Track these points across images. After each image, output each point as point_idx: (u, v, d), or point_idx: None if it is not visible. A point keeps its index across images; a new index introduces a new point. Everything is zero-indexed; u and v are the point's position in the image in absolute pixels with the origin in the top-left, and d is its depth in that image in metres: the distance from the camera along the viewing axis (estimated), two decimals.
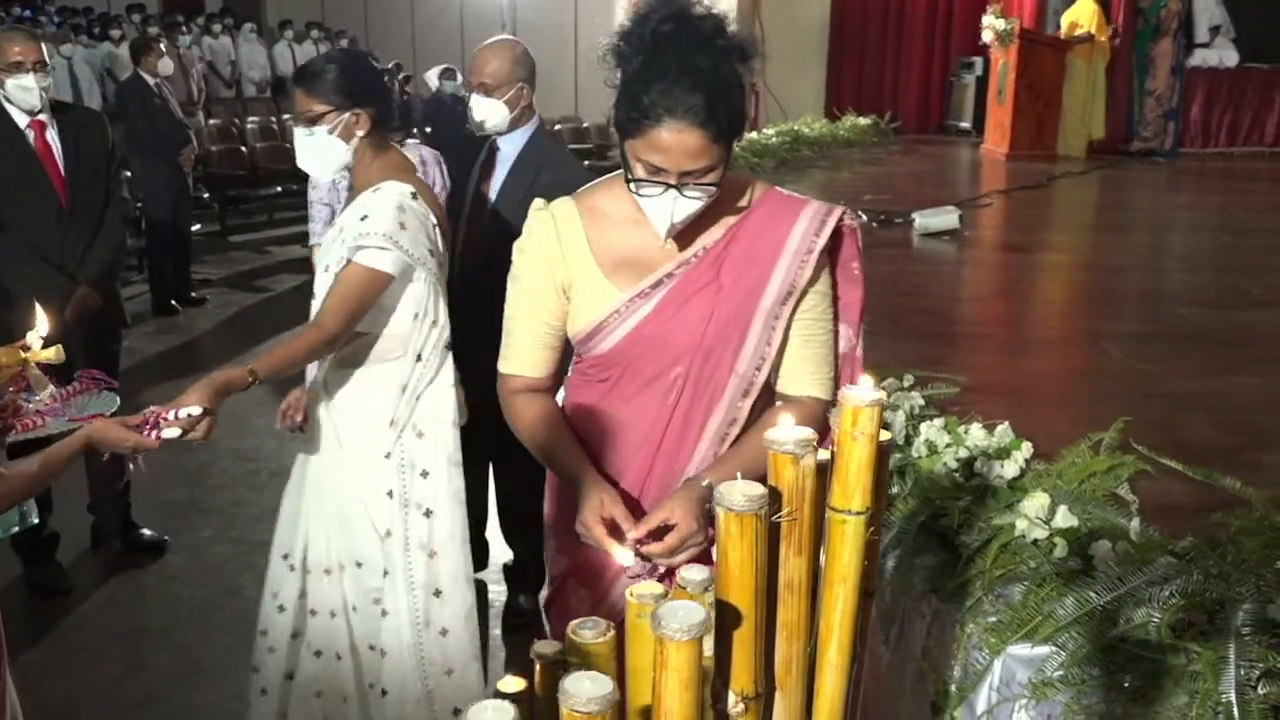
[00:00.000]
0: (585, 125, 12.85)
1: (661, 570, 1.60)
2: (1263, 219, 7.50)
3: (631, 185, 1.58)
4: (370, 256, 2.26)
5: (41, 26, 11.89)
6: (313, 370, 2.48)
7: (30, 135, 3.49)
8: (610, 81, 1.59)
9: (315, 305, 2.38)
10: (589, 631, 1.04)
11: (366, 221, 2.28)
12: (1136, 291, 5.25)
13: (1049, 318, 4.93)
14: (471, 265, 3.22)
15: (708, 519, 1.54)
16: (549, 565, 1.92)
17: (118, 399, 2.06)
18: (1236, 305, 4.78)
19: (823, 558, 1.10)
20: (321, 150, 2.39)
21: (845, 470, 1.05)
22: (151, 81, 7.06)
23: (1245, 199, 8.78)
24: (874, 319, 1.82)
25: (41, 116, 3.50)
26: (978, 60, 12.18)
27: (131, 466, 1.93)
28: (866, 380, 1.05)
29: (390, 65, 8.06)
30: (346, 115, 2.36)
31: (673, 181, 1.54)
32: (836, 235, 1.69)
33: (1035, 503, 2.01)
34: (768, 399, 1.72)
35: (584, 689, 0.84)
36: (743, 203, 1.70)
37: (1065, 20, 10.55)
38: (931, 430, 2.42)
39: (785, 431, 1.06)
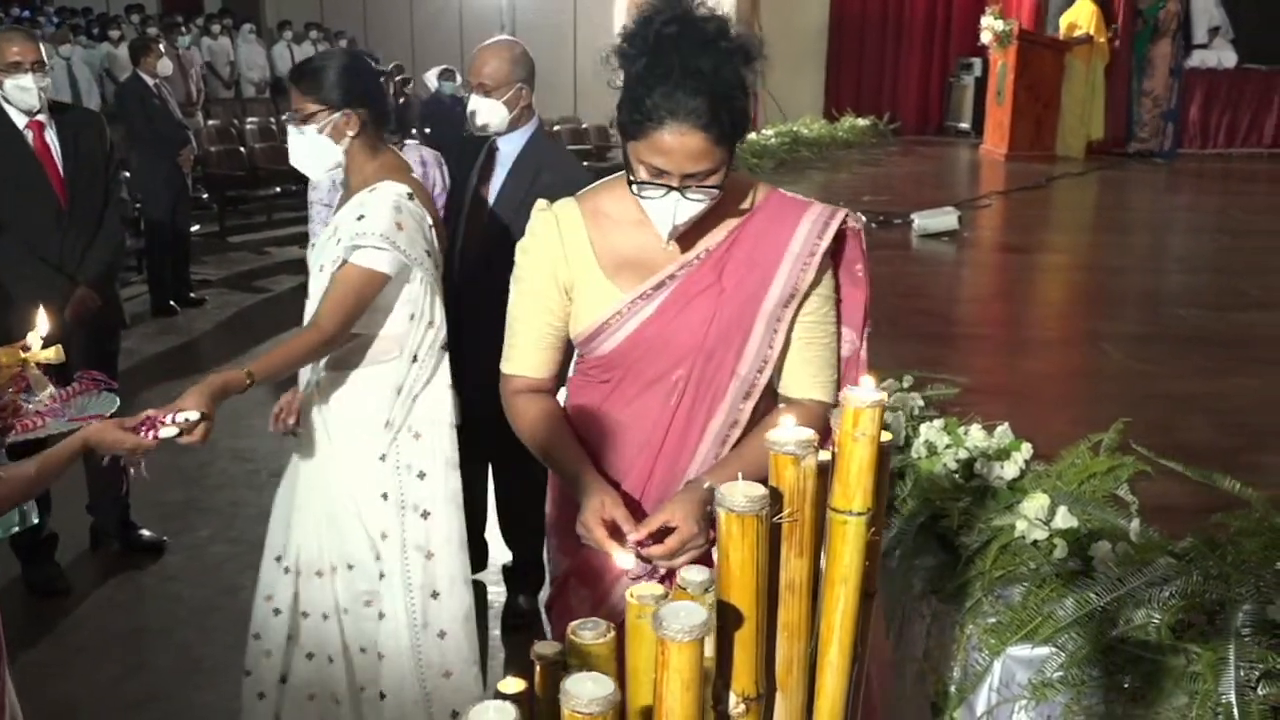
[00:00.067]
0: (584, 126, 12.85)
1: (662, 572, 1.60)
2: (1261, 220, 7.51)
3: (634, 187, 1.58)
4: (366, 256, 2.26)
5: (40, 27, 11.88)
6: (306, 372, 2.47)
7: (29, 136, 3.49)
8: (613, 83, 1.59)
9: (310, 306, 2.38)
10: (589, 632, 1.04)
11: (363, 221, 2.28)
12: (1135, 292, 5.26)
13: (1048, 318, 4.93)
14: (471, 265, 3.23)
15: (709, 522, 1.54)
16: (550, 566, 1.92)
17: (117, 399, 2.06)
18: (1235, 306, 4.78)
19: (824, 559, 1.10)
20: (312, 149, 2.40)
21: (846, 471, 1.05)
22: (151, 82, 7.06)
23: (1244, 200, 8.78)
24: (873, 320, 1.82)
25: (40, 117, 3.50)
26: (976, 61, 12.19)
27: (133, 471, 1.92)
28: (868, 381, 1.05)
29: (390, 67, 8.04)
30: (337, 115, 2.36)
31: (675, 184, 1.54)
32: (840, 237, 1.68)
33: (1035, 504, 2.01)
34: (769, 401, 1.72)
35: (586, 690, 0.84)
36: (745, 205, 1.69)
37: (1064, 21, 10.55)
38: (931, 431, 2.42)
39: (786, 432, 1.06)
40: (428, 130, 8.15)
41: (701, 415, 1.69)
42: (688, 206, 1.56)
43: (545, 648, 1.13)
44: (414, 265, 2.31)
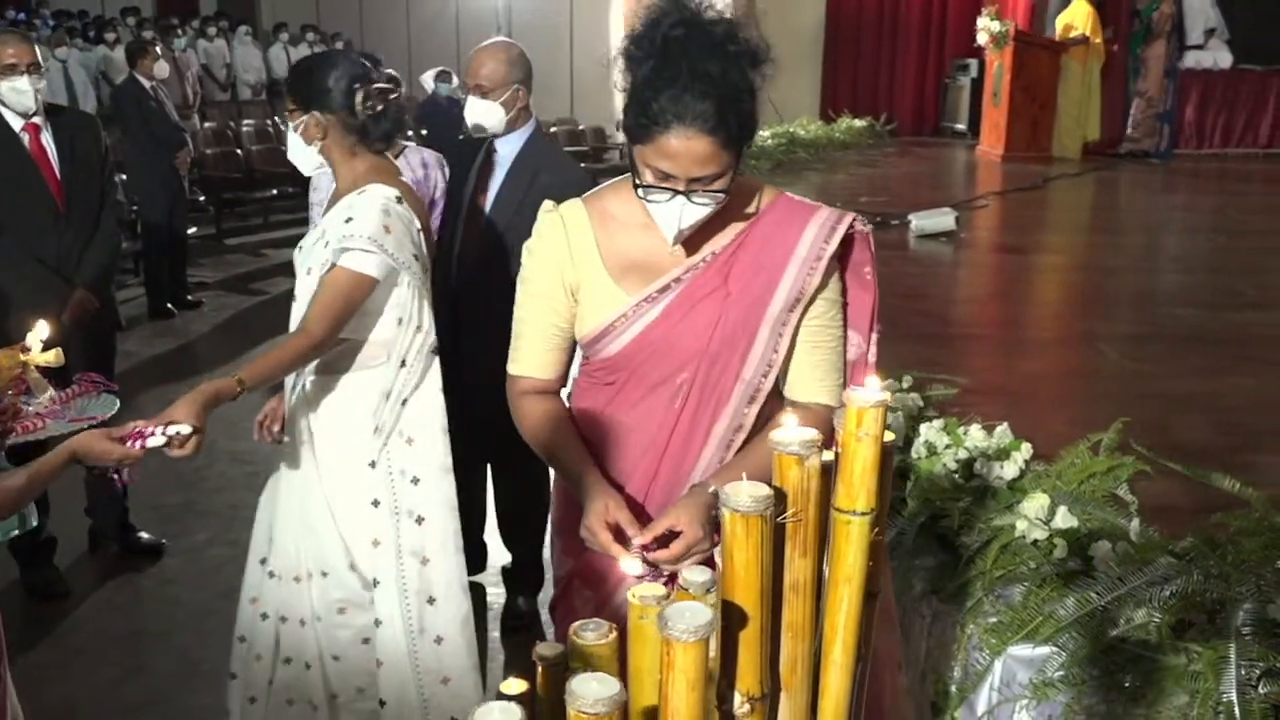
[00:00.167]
0: (581, 128, 12.84)
1: (667, 574, 1.60)
2: (1257, 220, 7.53)
3: (640, 191, 1.57)
4: (354, 259, 2.24)
5: (36, 30, 11.88)
6: (291, 377, 2.46)
7: (25, 139, 3.48)
8: (620, 86, 1.58)
9: (296, 309, 2.37)
10: (591, 633, 1.04)
11: (351, 224, 2.26)
12: (1132, 292, 5.27)
13: (1045, 319, 4.94)
14: (469, 267, 3.22)
15: (714, 526, 1.54)
16: (554, 567, 1.92)
17: (117, 401, 2.06)
18: (1231, 306, 4.79)
19: (827, 558, 1.10)
20: (296, 148, 2.42)
21: (850, 471, 1.05)
22: (147, 84, 7.05)
23: (1240, 200, 8.80)
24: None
25: (36, 119, 3.49)
26: (973, 62, 12.22)
27: (117, 477, 1.92)
28: (872, 381, 1.05)
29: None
30: (308, 117, 2.36)
31: (681, 188, 1.54)
32: (847, 240, 1.67)
33: (1035, 503, 2.01)
34: (775, 405, 1.71)
35: (591, 690, 0.85)
36: (751, 208, 1.69)
37: (1060, 22, 10.58)
38: (931, 431, 2.42)
39: (790, 433, 1.06)
40: (424, 132, 8.15)
41: (706, 419, 1.68)
42: (694, 210, 1.56)
43: (547, 649, 1.13)
44: (401, 269, 2.29)
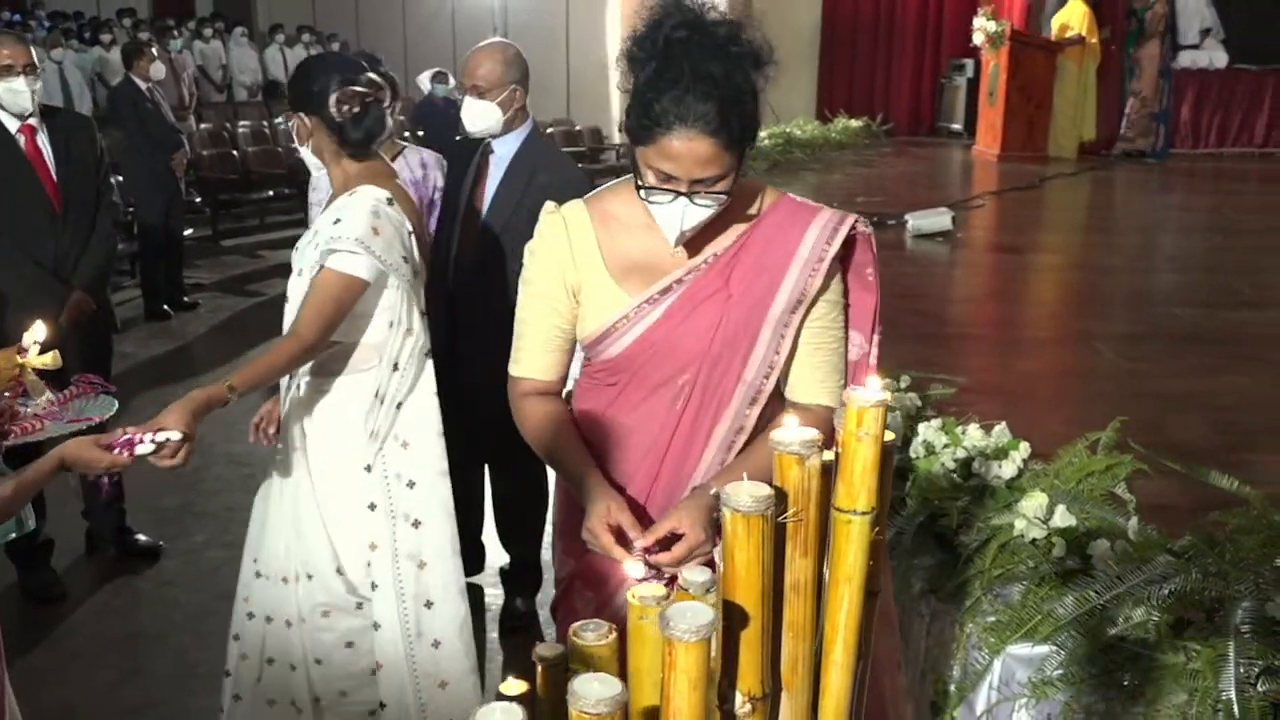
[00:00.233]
0: (578, 128, 12.84)
1: (669, 575, 1.60)
2: (1252, 219, 7.55)
3: (642, 192, 1.57)
4: (342, 261, 2.23)
5: (32, 31, 11.85)
6: (285, 379, 2.45)
7: (21, 140, 3.48)
8: (622, 87, 1.58)
9: (289, 309, 2.36)
10: (591, 634, 1.04)
11: (339, 225, 2.25)
12: (1128, 292, 5.28)
13: (1041, 318, 4.95)
14: (467, 268, 3.22)
15: (715, 528, 1.54)
16: (556, 568, 1.92)
17: (116, 402, 2.05)
18: (1227, 305, 4.80)
19: (827, 558, 1.10)
20: (302, 150, 2.42)
21: (850, 471, 1.05)
22: (143, 86, 7.04)
23: (1235, 199, 8.82)
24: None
25: (31, 121, 3.49)
26: (969, 62, 12.23)
27: (106, 482, 1.92)
28: (873, 381, 1.06)
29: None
30: (295, 119, 2.37)
31: (683, 189, 1.53)
32: (849, 242, 1.67)
33: (1033, 502, 2.01)
34: (776, 407, 1.71)
35: (593, 690, 0.85)
36: (754, 210, 1.68)
37: (1056, 22, 10.59)
38: (929, 431, 2.43)
39: (791, 432, 1.06)
40: (420, 133, 8.14)
41: (707, 420, 1.68)
42: (696, 212, 1.55)
43: (546, 650, 1.13)
44: (390, 271, 2.27)
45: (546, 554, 3.54)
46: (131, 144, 7.13)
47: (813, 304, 1.66)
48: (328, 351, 2.34)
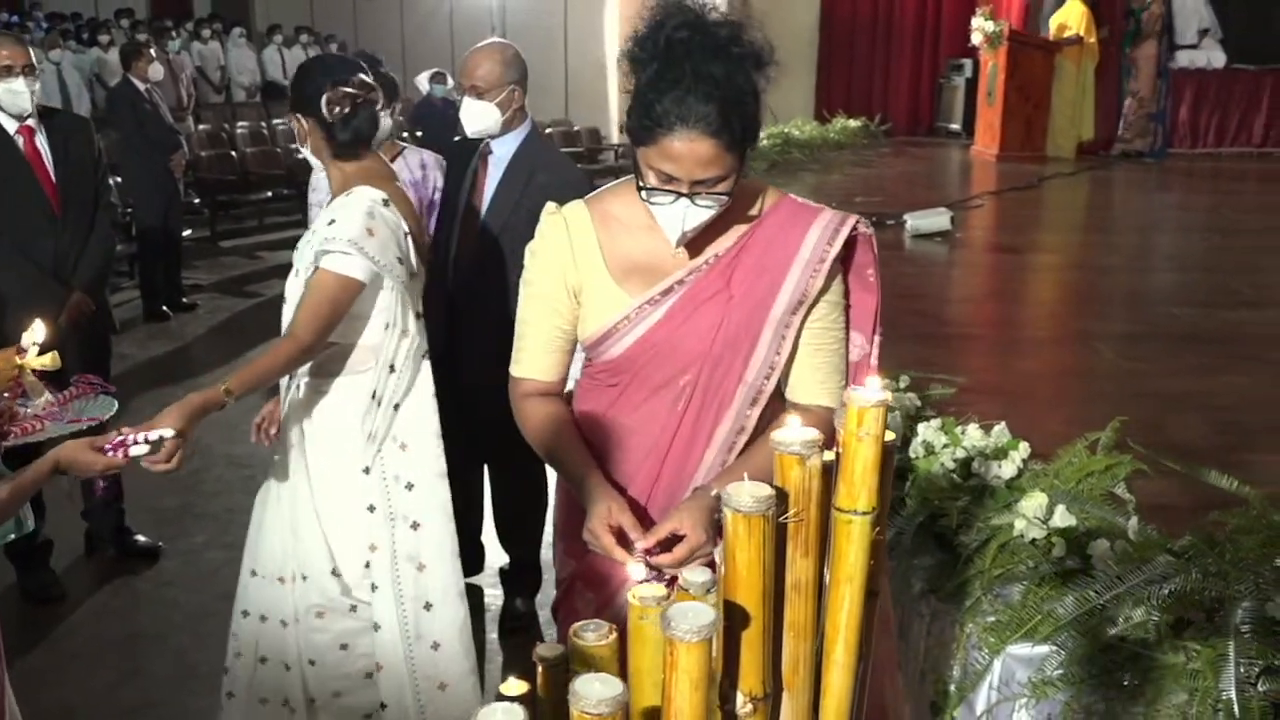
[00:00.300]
0: (576, 128, 12.85)
1: (670, 576, 1.60)
2: (1251, 219, 7.55)
3: (643, 193, 1.57)
4: (335, 262, 2.23)
5: (30, 32, 11.84)
6: (285, 380, 2.45)
7: (19, 141, 3.48)
8: (623, 87, 1.58)
9: (286, 309, 2.37)
10: (591, 634, 1.04)
11: (333, 226, 2.26)
12: (1127, 291, 5.28)
13: (1040, 318, 4.95)
14: (466, 269, 3.22)
15: (717, 529, 1.53)
16: (556, 569, 1.92)
17: (116, 402, 2.05)
18: (1226, 305, 4.81)
19: (828, 558, 1.10)
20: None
21: (851, 471, 1.05)
22: (142, 87, 7.04)
23: (1233, 199, 8.83)
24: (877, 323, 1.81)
25: (30, 122, 3.49)
26: (967, 62, 12.24)
27: (101, 484, 1.92)
28: (873, 381, 1.06)
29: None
30: (294, 121, 2.39)
31: (685, 190, 1.53)
32: (850, 242, 1.67)
33: (1033, 502, 2.01)
34: (777, 407, 1.71)
35: (594, 690, 0.85)
36: (755, 210, 1.68)
37: (1054, 22, 10.60)
38: (929, 431, 2.43)
39: (791, 432, 1.06)
40: (419, 133, 8.13)
41: (708, 421, 1.68)
42: (697, 213, 1.55)
43: (547, 650, 1.13)
44: (383, 272, 2.27)
45: (546, 554, 3.54)
46: (130, 145, 7.13)
47: (814, 305, 1.66)
48: (325, 353, 2.34)
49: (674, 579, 1.58)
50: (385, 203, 2.30)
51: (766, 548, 0.99)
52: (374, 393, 2.35)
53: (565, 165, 3.50)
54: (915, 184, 8.92)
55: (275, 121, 12.02)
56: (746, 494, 0.98)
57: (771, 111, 1.68)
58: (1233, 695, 1.57)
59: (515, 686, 1.10)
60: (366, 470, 2.39)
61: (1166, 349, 4.02)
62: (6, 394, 1.98)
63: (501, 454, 3.36)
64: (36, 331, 2.05)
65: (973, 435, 2.37)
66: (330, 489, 2.40)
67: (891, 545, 2.18)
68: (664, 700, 0.90)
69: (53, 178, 3.51)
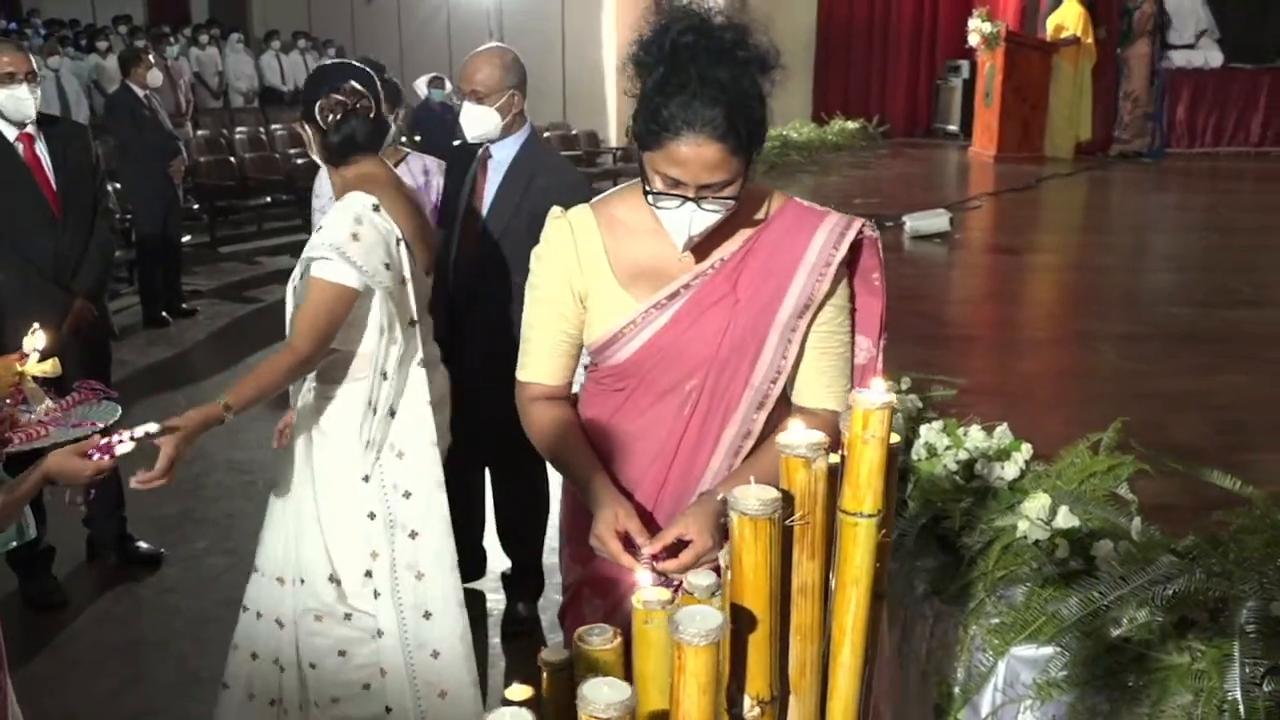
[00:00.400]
0: (574, 132, 12.86)
1: (677, 581, 1.59)
2: (1249, 218, 7.55)
3: (650, 197, 1.57)
4: (323, 269, 2.24)
5: (28, 39, 11.84)
6: (294, 386, 2.47)
7: (19, 148, 3.48)
8: (630, 91, 1.58)
9: (288, 311, 2.38)
10: (596, 638, 1.04)
11: (320, 233, 2.27)
12: (1126, 292, 5.28)
13: (1040, 319, 4.95)
14: (466, 272, 3.22)
15: (723, 534, 1.53)
16: (563, 575, 1.91)
17: (119, 407, 2.05)
18: (1225, 304, 4.81)
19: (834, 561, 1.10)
20: None
21: (856, 473, 1.05)
22: (140, 93, 7.03)
23: (1232, 198, 8.83)
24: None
25: (29, 129, 3.50)
26: (964, 63, 12.24)
27: (80, 499, 1.93)
28: (878, 383, 1.06)
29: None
30: (300, 127, 2.41)
31: (691, 194, 1.53)
32: (856, 246, 1.67)
33: (1036, 504, 2.01)
34: (783, 411, 1.70)
35: (602, 694, 0.85)
36: (760, 214, 1.68)
37: (1051, 23, 10.60)
38: (931, 433, 2.42)
39: (797, 435, 1.06)
40: (418, 138, 8.14)
41: (715, 425, 1.68)
42: (703, 217, 1.55)
43: (551, 654, 1.13)
44: (366, 278, 2.26)
45: (548, 559, 3.54)
46: (129, 151, 7.14)
47: (820, 308, 1.66)
48: (328, 359, 2.35)
49: (680, 583, 1.58)
50: (376, 208, 2.30)
51: (773, 551, 0.99)
52: (369, 400, 2.35)
53: (565, 169, 3.50)
54: (913, 185, 8.92)
55: (274, 127, 12.03)
56: (753, 497, 0.98)
57: (770, 113, 1.68)
58: (1238, 696, 1.57)
59: (520, 691, 1.10)
60: (366, 478, 2.39)
61: (1166, 349, 4.01)
62: (8, 401, 1.99)
63: (502, 457, 3.36)
64: (37, 338, 2.05)
65: (975, 437, 2.37)
66: (334, 496, 2.40)
67: (895, 547, 2.18)
68: (672, 704, 0.90)
69: (53, 184, 3.52)
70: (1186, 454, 2.38)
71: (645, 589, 1.05)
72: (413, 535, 2.42)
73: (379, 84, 2.46)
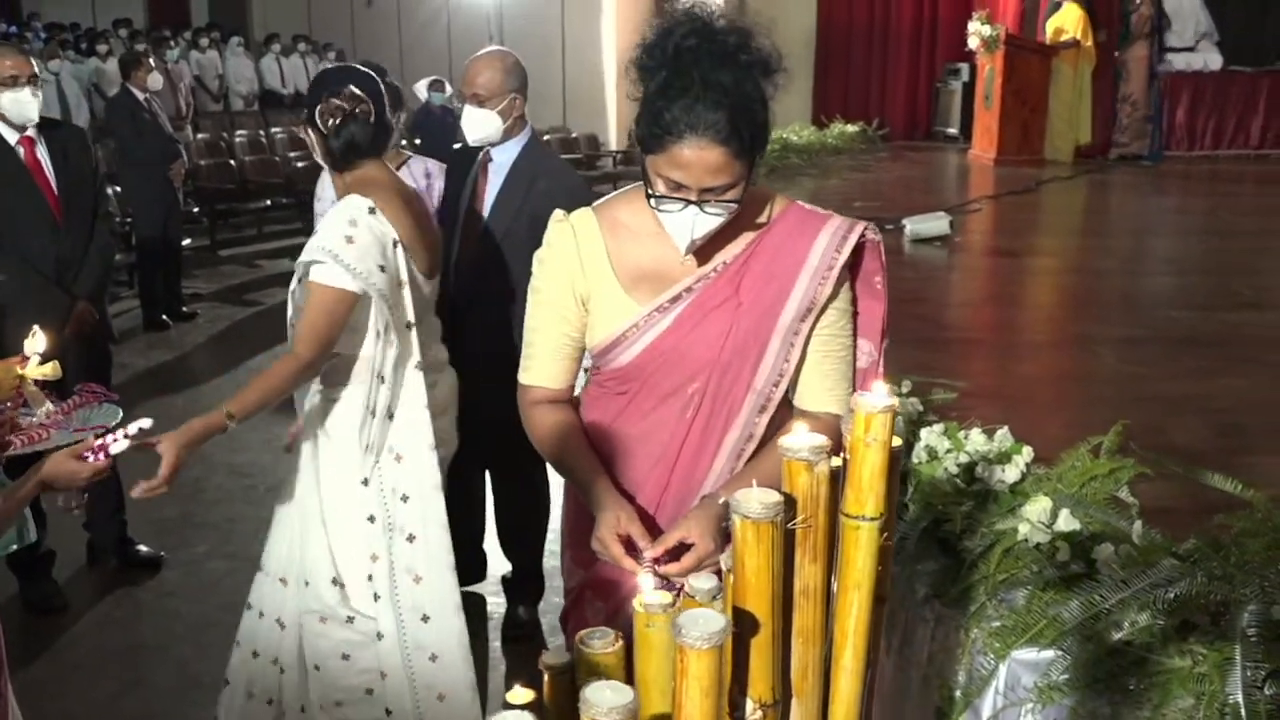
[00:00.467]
0: (574, 135, 12.87)
1: (680, 584, 1.59)
2: (1249, 221, 7.56)
3: (652, 201, 1.57)
4: (319, 273, 2.25)
5: (28, 42, 11.85)
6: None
7: (20, 152, 3.49)
8: (632, 95, 1.58)
9: (289, 315, 2.39)
10: (597, 642, 1.04)
11: (315, 237, 2.28)
12: (1127, 295, 5.28)
13: (1040, 322, 4.95)
14: (467, 275, 3.22)
15: (725, 537, 1.53)
16: (565, 579, 1.91)
17: (120, 410, 2.05)
18: (1225, 307, 4.81)
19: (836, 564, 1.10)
20: None
21: (858, 476, 1.05)
22: (141, 96, 7.04)
23: (1232, 201, 8.84)
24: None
25: (30, 133, 3.50)
26: (964, 66, 12.25)
27: (74, 505, 1.93)
28: (880, 387, 1.06)
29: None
30: (303, 131, 2.42)
31: (693, 198, 1.53)
32: (858, 249, 1.67)
33: (1037, 507, 2.01)
34: (785, 415, 1.71)
35: (605, 698, 0.85)
36: (763, 218, 1.68)
37: (1051, 26, 10.61)
38: (931, 436, 2.42)
39: (799, 438, 1.06)
40: (418, 141, 8.15)
41: (717, 429, 1.68)
42: (706, 220, 1.55)
43: (553, 658, 1.13)
44: (358, 279, 2.26)
45: (548, 562, 3.53)
46: (129, 154, 7.14)
47: (822, 312, 1.66)
48: (331, 363, 2.35)
49: (681, 587, 1.58)
50: (372, 210, 2.30)
51: (775, 554, 0.99)
52: (367, 403, 2.36)
53: (566, 172, 3.50)
54: (913, 188, 8.93)
55: (274, 130, 12.04)
56: (755, 500, 0.98)
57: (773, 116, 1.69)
58: (1239, 699, 1.57)
59: (522, 695, 1.10)
60: (365, 482, 2.40)
61: (1166, 352, 4.01)
62: (8, 404, 1.98)
63: (503, 459, 3.36)
64: (38, 341, 2.05)
65: (976, 440, 2.37)
66: (338, 499, 2.41)
67: (895, 550, 2.18)
68: (674, 707, 0.90)
69: (54, 187, 3.52)
70: (1187, 457, 2.38)
71: (647, 592, 1.05)
72: (410, 539, 2.43)
73: (383, 86, 2.47)
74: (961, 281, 5.80)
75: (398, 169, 3.27)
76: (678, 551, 1.55)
